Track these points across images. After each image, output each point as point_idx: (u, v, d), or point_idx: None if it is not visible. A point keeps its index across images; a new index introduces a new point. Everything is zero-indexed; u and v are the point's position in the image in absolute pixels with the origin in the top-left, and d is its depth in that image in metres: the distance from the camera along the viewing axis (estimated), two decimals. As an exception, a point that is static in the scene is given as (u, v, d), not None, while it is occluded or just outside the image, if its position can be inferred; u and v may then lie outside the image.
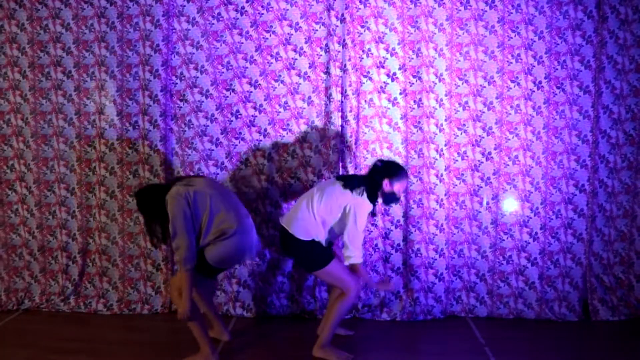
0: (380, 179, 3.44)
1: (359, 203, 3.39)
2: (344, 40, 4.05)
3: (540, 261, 4.17)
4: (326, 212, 3.43)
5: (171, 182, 3.49)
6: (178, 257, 3.27)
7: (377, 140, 4.14)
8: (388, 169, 3.47)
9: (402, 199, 4.12)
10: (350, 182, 3.44)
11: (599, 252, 4.22)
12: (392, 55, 4.05)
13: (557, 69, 4.07)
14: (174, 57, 4.13)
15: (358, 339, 3.85)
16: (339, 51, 4.06)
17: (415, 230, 4.15)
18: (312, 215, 3.44)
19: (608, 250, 4.22)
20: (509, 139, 4.12)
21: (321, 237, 3.47)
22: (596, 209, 4.17)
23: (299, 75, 4.09)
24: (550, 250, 4.17)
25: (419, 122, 4.10)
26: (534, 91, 4.09)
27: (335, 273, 3.47)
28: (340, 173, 4.14)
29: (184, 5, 4.09)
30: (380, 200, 3.54)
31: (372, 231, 4.18)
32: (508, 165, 4.14)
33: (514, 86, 4.09)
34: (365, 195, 3.39)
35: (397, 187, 3.47)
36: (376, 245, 4.19)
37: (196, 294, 3.46)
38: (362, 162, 4.12)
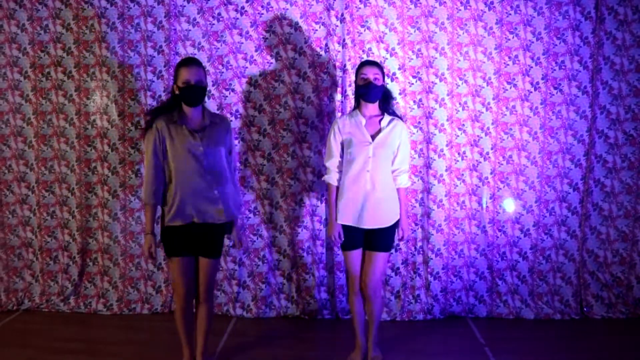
0: None
1: None
2: (344, 40, 4.05)
3: (532, 256, 4.22)
4: None
5: None
6: None
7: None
8: None
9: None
10: None
11: (593, 250, 4.24)
12: (392, 55, 4.06)
13: (554, 70, 4.08)
14: (175, 57, 4.13)
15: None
16: (339, 51, 4.06)
17: (418, 228, 4.19)
18: None
19: (605, 249, 4.24)
20: (504, 139, 4.15)
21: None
22: (590, 207, 4.19)
23: (298, 75, 4.10)
24: (542, 247, 4.21)
25: (419, 122, 4.11)
26: (531, 92, 4.10)
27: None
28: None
29: (184, 6, 4.09)
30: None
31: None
32: (502, 164, 4.17)
33: (510, 87, 4.10)
34: None
35: None
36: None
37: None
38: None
